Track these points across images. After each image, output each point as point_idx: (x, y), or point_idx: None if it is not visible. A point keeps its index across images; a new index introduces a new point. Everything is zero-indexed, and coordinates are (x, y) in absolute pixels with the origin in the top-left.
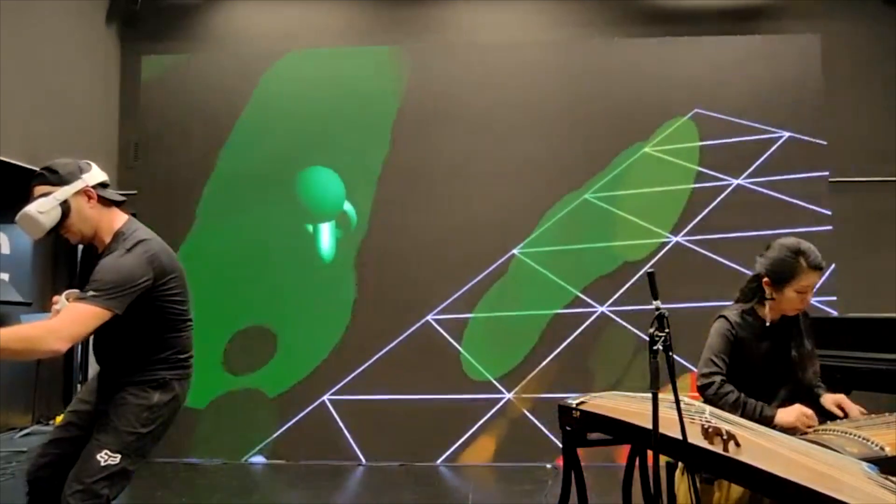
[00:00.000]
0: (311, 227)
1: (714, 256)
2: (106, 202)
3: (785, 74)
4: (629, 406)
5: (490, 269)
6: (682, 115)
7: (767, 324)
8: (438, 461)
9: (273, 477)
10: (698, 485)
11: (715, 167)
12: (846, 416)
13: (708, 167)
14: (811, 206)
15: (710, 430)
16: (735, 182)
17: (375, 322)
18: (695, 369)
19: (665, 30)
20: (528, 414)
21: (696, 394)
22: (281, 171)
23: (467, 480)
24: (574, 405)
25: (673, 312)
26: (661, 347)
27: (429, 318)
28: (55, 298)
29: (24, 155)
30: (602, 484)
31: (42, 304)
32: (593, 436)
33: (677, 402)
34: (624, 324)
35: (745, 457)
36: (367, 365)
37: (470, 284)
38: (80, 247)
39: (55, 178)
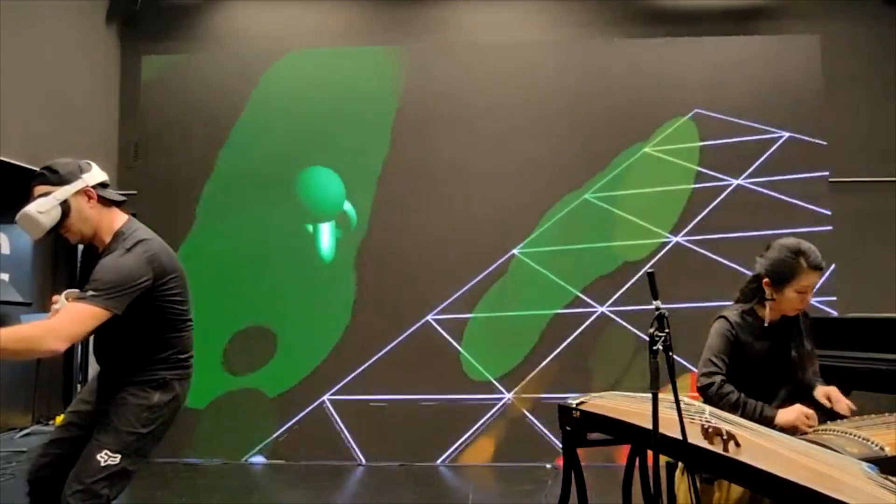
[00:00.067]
0: (311, 228)
1: (714, 256)
2: (106, 202)
3: (785, 75)
4: (629, 406)
5: (490, 268)
6: (682, 115)
7: (766, 324)
8: (438, 461)
9: (273, 477)
10: (698, 485)
11: (715, 167)
12: (832, 408)
13: (708, 167)
14: (811, 206)
15: (710, 430)
16: (734, 182)
17: (375, 322)
18: (694, 370)
19: (665, 30)
20: (527, 414)
21: (696, 394)
22: (281, 170)
23: (467, 480)
24: (574, 405)
25: (673, 313)
26: (661, 347)
27: (429, 317)
28: (55, 298)
29: (24, 155)
30: (602, 484)
31: (42, 304)
32: (593, 436)
33: (677, 402)
34: (624, 324)
35: (745, 457)
36: (367, 365)
37: (470, 284)
38: (81, 247)
39: (55, 177)
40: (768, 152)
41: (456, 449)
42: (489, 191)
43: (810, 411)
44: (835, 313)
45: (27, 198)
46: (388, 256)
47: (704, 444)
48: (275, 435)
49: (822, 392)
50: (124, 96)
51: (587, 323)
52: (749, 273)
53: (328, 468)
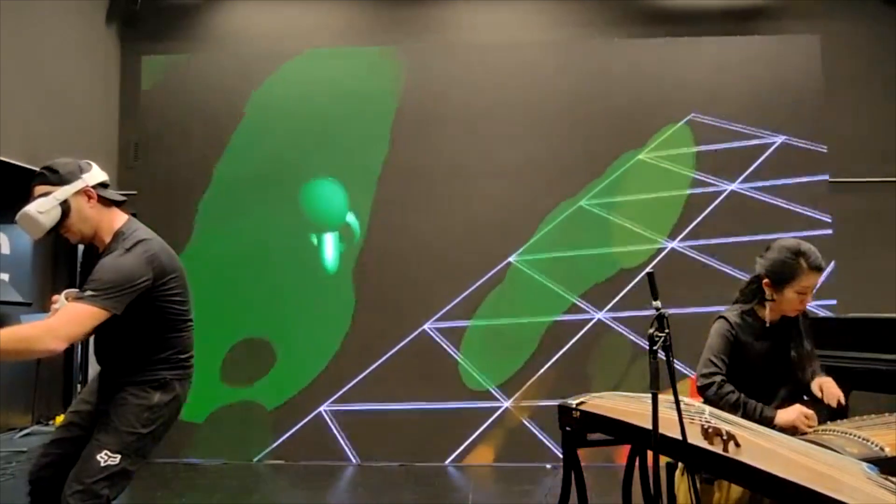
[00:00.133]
0: (315, 239)
1: (710, 261)
2: (106, 202)
3: (785, 75)
4: (629, 406)
5: (487, 276)
6: (680, 118)
7: (768, 325)
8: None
9: (273, 477)
10: (698, 485)
11: (714, 171)
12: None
13: (706, 171)
14: (811, 210)
15: (710, 430)
16: (730, 187)
17: (373, 331)
18: (692, 373)
19: (665, 30)
20: (526, 422)
21: (695, 396)
22: (280, 172)
23: (467, 481)
24: (574, 405)
25: (670, 317)
26: (660, 348)
27: (426, 326)
28: (54, 298)
29: (24, 155)
30: (602, 484)
31: (42, 304)
32: (593, 436)
33: (677, 402)
34: (621, 330)
35: (744, 457)
36: (365, 374)
37: (468, 292)
38: (81, 247)
39: (55, 177)
40: (764, 155)
41: (454, 458)
42: (488, 192)
43: (810, 411)
44: (827, 314)
45: (27, 198)
46: (386, 259)
47: (704, 444)
48: (272, 447)
49: (817, 383)
50: (124, 96)
51: (585, 330)
52: (746, 278)
53: (326, 471)
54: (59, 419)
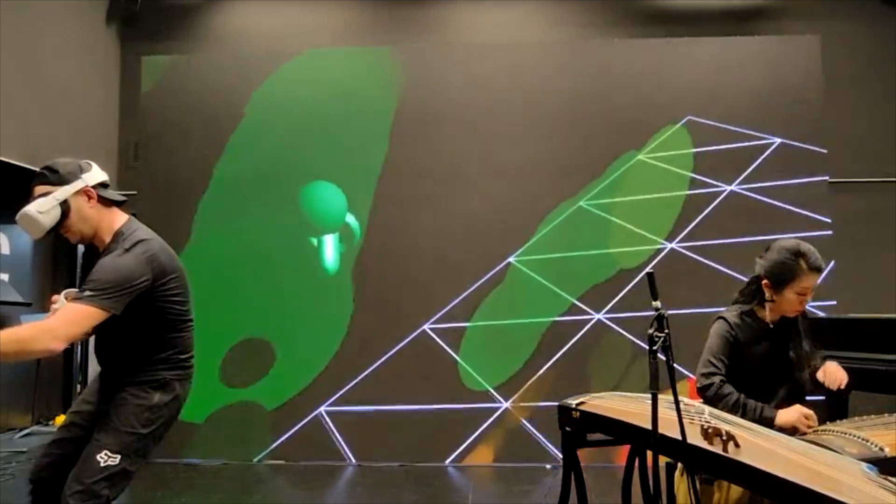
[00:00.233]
0: (315, 241)
1: (709, 263)
2: (106, 202)
3: (785, 75)
4: (629, 406)
5: (487, 276)
6: (679, 119)
7: (771, 326)
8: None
9: (273, 477)
10: (698, 485)
11: (713, 171)
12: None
13: (705, 172)
14: (811, 211)
15: (710, 430)
16: (729, 188)
17: (373, 332)
18: (691, 375)
19: (664, 30)
20: (525, 423)
21: (694, 396)
22: (280, 172)
23: (467, 481)
24: (574, 405)
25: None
26: (659, 349)
27: (426, 326)
28: (54, 298)
29: (24, 155)
30: (602, 484)
31: (42, 305)
32: (593, 436)
33: (676, 402)
34: (620, 331)
35: (744, 457)
36: (364, 375)
37: (467, 293)
38: (81, 247)
39: (55, 177)
40: (762, 156)
41: (454, 459)
42: (488, 192)
43: (810, 412)
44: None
45: (27, 198)
46: (386, 259)
47: (704, 444)
48: (272, 447)
49: (822, 369)
50: (124, 96)
51: (584, 330)
52: (745, 279)
53: (324, 473)
54: (60, 419)
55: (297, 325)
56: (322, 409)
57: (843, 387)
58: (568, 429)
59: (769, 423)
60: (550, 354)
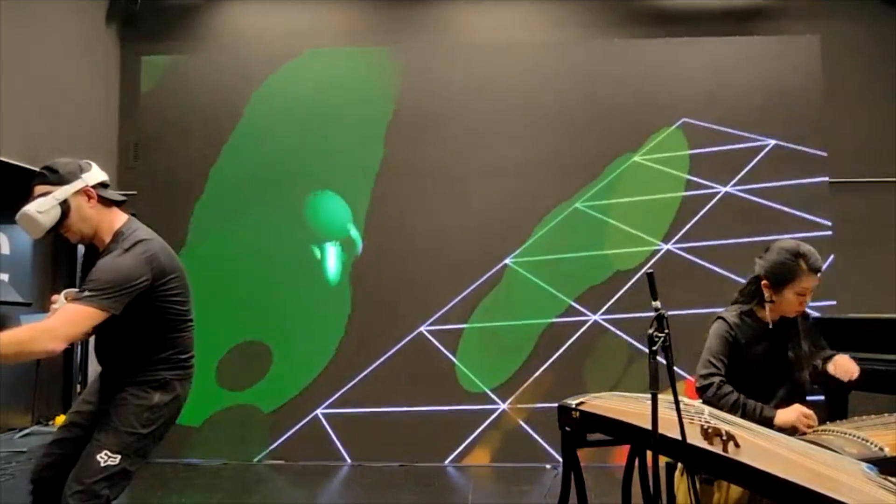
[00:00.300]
0: (317, 250)
1: (706, 264)
2: (106, 202)
3: (785, 75)
4: (628, 406)
5: (483, 278)
6: (678, 120)
7: (770, 326)
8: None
9: (273, 477)
10: (698, 485)
11: (713, 172)
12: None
13: (703, 173)
14: (811, 212)
15: (710, 430)
16: (725, 189)
17: (370, 333)
18: (688, 376)
19: (665, 30)
20: (523, 424)
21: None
22: (279, 172)
23: (466, 481)
24: (573, 405)
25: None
26: (659, 349)
27: (422, 328)
28: (54, 297)
29: (24, 155)
30: (602, 484)
31: (42, 305)
32: (593, 436)
33: (676, 402)
34: (617, 332)
35: (744, 457)
36: (361, 376)
37: (464, 294)
38: (81, 247)
39: (55, 177)
40: (758, 157)
41: (451, 460)
42: (485, 193)
43: (809, 412)
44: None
45: (27, 198)
46: (383, 261)
47: (704, 444)
48: (271, 447)
49: (832, 364)
50: (124, 96)
51: (581, 332)
52: (741, 280)
53: (327, 468)
54: (59, 419)
55: (294, 327)
56: (320, 410)
57: (854, 378)
58: (568, 429)
59: (769, 423)
60: (547, 356)
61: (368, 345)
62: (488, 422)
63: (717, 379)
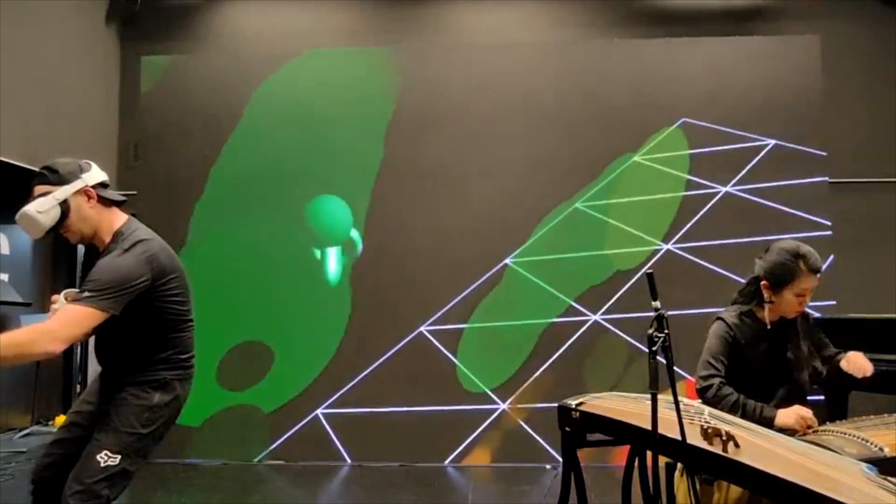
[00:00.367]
0: (318, 253)
1: (706, 263)
2: (106, 202)
3: (785, 75)
4: (628, 407)
5: (483, 278)
6: (677, 120)
7: (769, 326)
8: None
9: (273, 477)
10: (698, 486)
11: (712, 172)
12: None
13: (703, 173)
14: (811, 212)
15: (710, 430)
16: (725, 189)
17: (370, 334)
18: (688, 376)
19: (665, 30)
20: (523, 424)
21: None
22: (280, 172)
23: (466, 481)
24: (573, 405)
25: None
26: (659, 349)
27: (423, 328)
28: (54, 298)
29: (24, 155)
30: (602, 484)
31: (42, 305)
32: (593, 436)
33: (676, 402)
34: (617, 332)
35: (744, 457)
36: (362, 377)
37: (464, 294)
38: (81, 247)
39: (55, 177)
40: (758, 157)
41: (451, 460)
42: (484, 193)
43: (809, 412)
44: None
45: (27, 198)
46: (383, 261)
47: (704, 444)
48: (271, 447)
49: (845, 360)
50: (124, 96)
51: (581, 332)
52: (741, 280)
53: (327, 469)
54: (59, 419)
55: (294, 327)
56: (320, 410)
57: (868, 375)
58: (568, 429)
59: (769, 423)
60: (547, 356)
61: (368, 345)
62: (488, 422)
63: (717, 380)
